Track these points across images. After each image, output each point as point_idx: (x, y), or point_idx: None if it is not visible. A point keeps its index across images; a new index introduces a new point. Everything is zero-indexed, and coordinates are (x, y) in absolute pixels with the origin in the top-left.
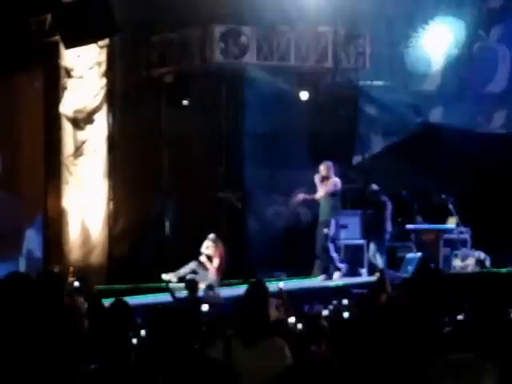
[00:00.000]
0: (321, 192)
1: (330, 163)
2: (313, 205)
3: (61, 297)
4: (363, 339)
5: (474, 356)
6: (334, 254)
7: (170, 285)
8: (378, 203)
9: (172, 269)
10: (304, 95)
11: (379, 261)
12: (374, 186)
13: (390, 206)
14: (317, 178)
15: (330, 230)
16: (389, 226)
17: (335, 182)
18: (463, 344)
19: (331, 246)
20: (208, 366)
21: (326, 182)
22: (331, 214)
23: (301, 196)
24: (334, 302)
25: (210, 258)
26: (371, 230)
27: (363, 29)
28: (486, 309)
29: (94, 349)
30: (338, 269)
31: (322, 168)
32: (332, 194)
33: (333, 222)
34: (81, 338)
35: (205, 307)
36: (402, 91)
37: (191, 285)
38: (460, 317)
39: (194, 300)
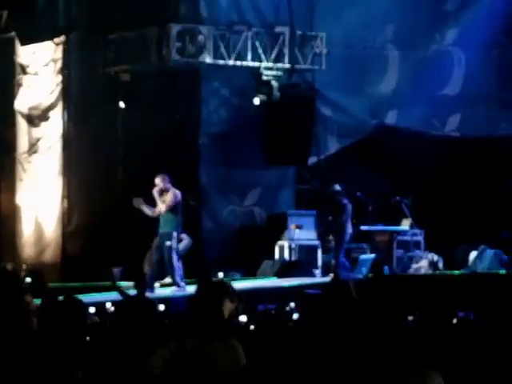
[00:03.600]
0: (162, 208)
1: (165, 175)
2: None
3: (19, 295)
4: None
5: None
6: (178, 265)
7: (119, 283)
8: (339, 204)
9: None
10: (256, 101)
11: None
12: (337, 187)
13: (350, 207)
14: (155, 192)
15: (173, 242)
16: (349, 227)
17: (175, 193)
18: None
19: (175, 258)
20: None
21: (165, 195)
22: (173, 226)
23: (141, 205)
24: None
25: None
26: (331, 231)
27: (319, 30)
28: (435, 311)
29: (43, 348)
30: (177, 285)
31: (159, 181)
32: (173, 207)
33: (175, 235)
34: (31, 337)
35: (161, 307)
36: (357, 93)
37: (140, 282)
38: (410, 318)
39: (142, 298)
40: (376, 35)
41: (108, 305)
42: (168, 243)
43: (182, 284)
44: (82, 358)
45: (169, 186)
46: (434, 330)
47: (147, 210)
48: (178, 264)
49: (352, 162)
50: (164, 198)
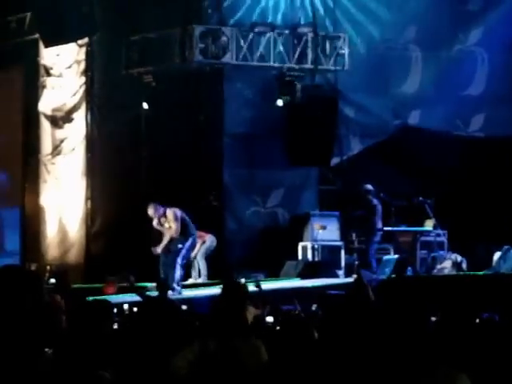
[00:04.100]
0: (172, 233)
1: (154, 204)
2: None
3: (41, 294)
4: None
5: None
6: (179, 270)
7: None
8: (370, 204)
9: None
10: (280, 102)
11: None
12: (368, 186)
13: (380, 207)
14: (156, 225)
15: (183, 249)
16: (379, 225)
17: (174, 214)
18: (436, 346)
19: (178, 261)
20: None
21: (166, 221)
22: (185, 237)
23: (158, 249)
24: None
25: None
26: (361, 230)
27: (342, 30)
28: (459, 311)
29: (73, 346)
30: (172, 288)
31: (151, 212)
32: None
33: (187, 244)
34: (60, 335)
35: (183, 307)
36: (380, 93)
37: (162, 285)
38: (433, 318)
39: (164, 300)
40: (399, 36)
41: (125, 306)
42: (179, 246)
43: (178, 288)
44: (110, 359)
45: (162, 211)
46: (457, 331)
47: (164, 243)
48: (179, 269)
49: (375, 163)
50: (167, 224)
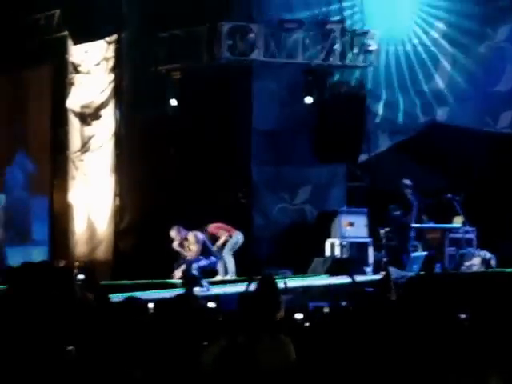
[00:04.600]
0: (192, 255)
1: (178, 226)
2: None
3: (72, 291)
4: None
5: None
6: (195, 272)
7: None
8: (407, 199)
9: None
10: (308, 100)
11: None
12: (407, 181)
13: (416, 203)
14: (176, 246)
15: (204, 259)
16: (413, 222)
17: (196, 237)
18: (465, 344)
19: (194, 268)
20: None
21: (188, 244)
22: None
23: (178, 273)
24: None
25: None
26: (395, 228)
27: (371, 26)
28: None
29: (102, 344)
30: (200, 285)
31: (174, 234)
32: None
33: (206, 260)
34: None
35: (211, 304)
36: (409, 90)
37: (189, 282)
38: (463, 316)
39: (190, 296)
40: (428, 32)
41: (150, 305)
42: (200, 257)
43: (206, 284)
44: (141, 357)
45: (184, 234)
46: (488, 328)
47: (183, 268)
48: (195, 272)
49: (403, 160)
50: (188, 246)
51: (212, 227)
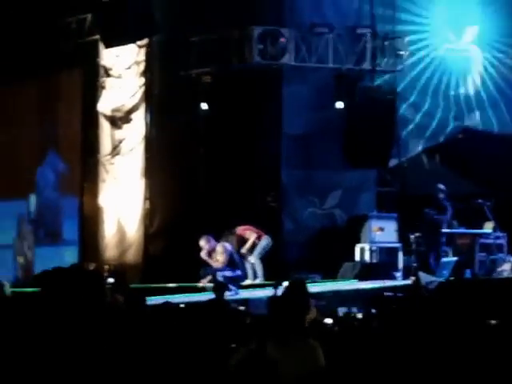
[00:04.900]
0: (218, 265)
1: (208, 236)
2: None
3: (103, 294)
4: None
5: None
6: (221, 279)
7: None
8: (442, 204)
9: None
10: (339, 104)
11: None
12: (441, 186)
13: (451, 209)
14: (204, 256)
15: (231, 270)
16: (445, 226)
17: (224, 248)
18: (495, 349)
19: (219, 275)
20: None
21: (215, 254)
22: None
23: (204, 282)
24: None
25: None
26: (427, 231)
27: (402, 31)
28: None
29: (131, 347)
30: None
31: (203, 243)
32: (228, 259)
33: (231, 272)
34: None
35: (240, 307)
36: (439, 95)
37: (219, 287)
38: (493, 321)
39: (222, 301)
40: (459, 36)
41: (182, 306)
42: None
43: (235, 289)
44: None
45: (213, 244)
46: None
47: (209, 278)
48: (221, 279)
49: (433, 164)
50: (216, 257)
51: (240, 229)
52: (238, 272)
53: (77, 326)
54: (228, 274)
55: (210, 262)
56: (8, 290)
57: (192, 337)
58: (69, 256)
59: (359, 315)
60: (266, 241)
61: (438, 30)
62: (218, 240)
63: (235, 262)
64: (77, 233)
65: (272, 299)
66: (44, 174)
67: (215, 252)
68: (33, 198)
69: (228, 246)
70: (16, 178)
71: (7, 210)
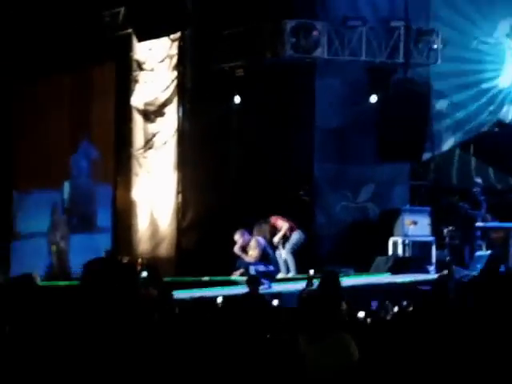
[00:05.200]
0: (251, 260)
1: (241, 230)
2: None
3: (136, 287)
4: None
5: None
6: (253, 272)
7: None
8: (477, 198)
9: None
10: (373, 98)
11: None
12: (478, 180)
13: (485, 203)
14: (237, 250)
15: (263, 264)
16: (479, 221)
17: (258, 243)
18: None
19: (251, 270)
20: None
21: (249, 249)
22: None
23: (238, 272)
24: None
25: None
26: (461, 224)
27: (435, 24)
28: None
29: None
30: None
31: (238, 237)
32: (261, 254)
33: (264, 267)
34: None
35: (274, 301)
36: (473, 88)
37: (252, 280)
38: None
39: (256, 295)
40: (492, 29)
41: (219, 299)
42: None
43: (267, 282)
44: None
45: (247, 238)
46: None
47: (241, 270)
48: (253, 272)
49: (467, 158)
50: (249, 252)
51: (274, 218)
52: (271, 267)
53: (112, 319)
54: (261, 268)
55: (244, 256)
56: (39, 281)
57: (227, 330)
58: (102, 242)
59: (395, 309)
60: (297, 235)
61: (472, 23)
62: (251, 230)
63: (268, 256)
64: (110, 220)
65: (305, 293)
66: (77, 161)
67: (249, 246)
68: (67, 186)
69: (262, 240)
70: (50, 167)
71: (43, 199)
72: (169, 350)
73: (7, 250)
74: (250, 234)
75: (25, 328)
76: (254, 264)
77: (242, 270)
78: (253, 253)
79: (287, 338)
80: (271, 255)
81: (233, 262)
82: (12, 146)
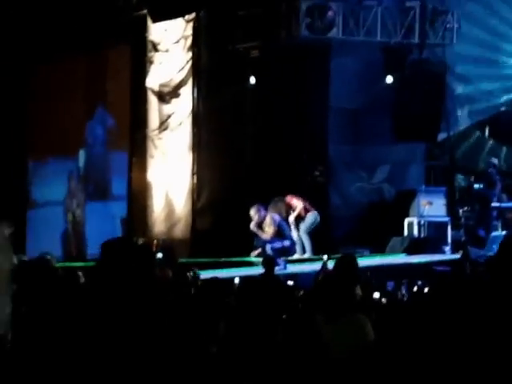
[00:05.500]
0: (267, 237)
1: (258, 206)
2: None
3: (153, 268)
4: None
5: None
6: (270, 252)
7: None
8: (491, 178)
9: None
10: (389, 79)
11: None
12: (494, 160)
13: (500, 183)
14: (253, 227)
15: (278, 241)
16: (495, 201)
17: (273, 220)
18: None
19: (268, 250)
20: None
21: (265, 226)
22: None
23: (256, 252)
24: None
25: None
26: (477, 202)
27: (451, 4)
28: None
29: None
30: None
31: (253, 213)
32: (277, 231)
33: (280, 243)
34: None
35: (289, 282)
36: (490, 68)
37: (268, 261)
38: None
39: (272, 276)
40: (510, 7)
41: (236, 280)
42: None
43: (283, 263)
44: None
45: (263, 214)
46: None
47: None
48: (270, 252)
49: (483, 139)
50: (265, 229)
51: (289, 197)
52: (287, 242)
53: (127, 299)
54: (277, 245)
55: (259, 233)
56: (55, 263)
57: (243, 311)
58: (118, 210)
59: (415, 288)
60: (312, 216)
61: (489, 3)
62: (267, 206)
63: (284, 232)
64: (126, 188)
65: (322, 274)
66: (93, 129)
67: (264, 223)
68: (82, 155)
69: (277, 217)
70: (65, 136)
71: (58, 168)
72: (183, 330)
73: (23, 221)
74: (266, 210)
75: (41, 309)
76: (270, 242)
77: (259, 250)
78: (268, 230)
79: (304, 318)
80: (286, 231)
81: (248, 243)
82: (27, 114)
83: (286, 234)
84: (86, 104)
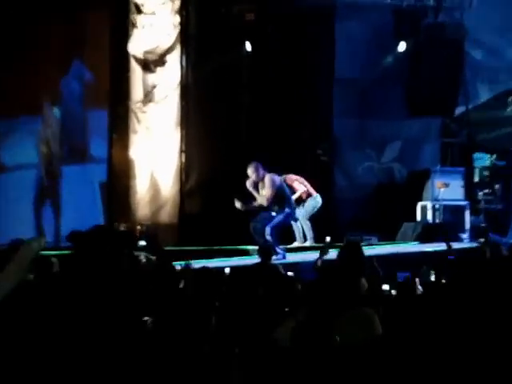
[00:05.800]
0: (263, 202)
1: (256, 164)
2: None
3: (134, 257)
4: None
5: None
6: (268, 237)
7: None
8: None
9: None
10: (402, 46)
11: None
12: None
13: None
14: (249, 186)
15: (277, 217)
16: None
17: (272, 181)
18: None
19: (267, 231)
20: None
21: (262, 187)
22: (279, 211)
23: (239, 204)
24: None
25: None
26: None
27: None
28: None
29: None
30: (275, 253)
31: (251, 172)
32: (276, 194)
33: (280, 216)
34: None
35: (289, 273)
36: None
37: (265, 250)
38: None
39: (269, 266)
40: None
41: (227, 270)
42: (273, 213)
43: (281, 252)
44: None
45: (262, 174)
46: None
47: (251, 206)
48: (268, 238)
49: (505, 113)
50: (262, 191)
51: (289, 177)
52: (287, 210)
53: (107, 289)
54: (276, 221)
55: (255, 194)
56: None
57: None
58: (97, 174)
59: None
60: (314, 200)
61: None
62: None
63: (284, 198)
64: (106, 150)
65: (324, 264)
66: (69, 85)
67: (262, 183)
68: (56, 112)
69: (277, 178)
70: (37, 91)
71: (29, 128)
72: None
73: None
74: (265, 169)
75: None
76: (268, 221)
77: (246, 206)
78: (266, 192)
79: (307, 311)
80: (287, 196)
81: (242, 228)
82: None
83: (286, 201)
84: (60, 59)
